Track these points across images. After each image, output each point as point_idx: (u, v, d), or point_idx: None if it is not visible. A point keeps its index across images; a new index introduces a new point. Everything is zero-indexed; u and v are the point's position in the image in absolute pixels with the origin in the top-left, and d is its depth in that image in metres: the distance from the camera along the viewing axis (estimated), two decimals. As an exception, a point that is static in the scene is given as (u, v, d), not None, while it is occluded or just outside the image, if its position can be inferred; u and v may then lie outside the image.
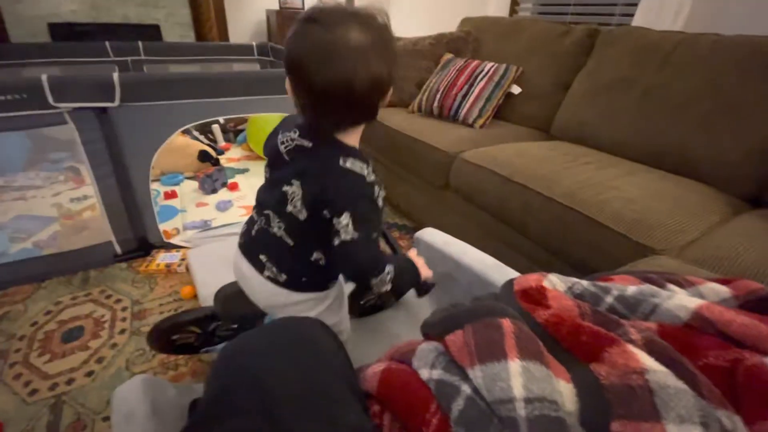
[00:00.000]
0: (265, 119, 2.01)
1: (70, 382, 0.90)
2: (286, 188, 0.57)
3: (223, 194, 1.74)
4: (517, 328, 0.42)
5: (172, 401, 0.68)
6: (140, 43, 2.04)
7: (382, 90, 0.53)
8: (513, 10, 2.17)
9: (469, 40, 1.79)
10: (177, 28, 2.65)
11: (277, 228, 0.61)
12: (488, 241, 1.19)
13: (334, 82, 0.49)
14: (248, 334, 0.38)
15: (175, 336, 0.83)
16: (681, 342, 0.42)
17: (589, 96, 1.39)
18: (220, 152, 2.19)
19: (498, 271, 0.79)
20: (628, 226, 0.85)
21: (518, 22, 1.74)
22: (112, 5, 2.42)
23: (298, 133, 0.59)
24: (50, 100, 1.03)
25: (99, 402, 0.86)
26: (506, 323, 0.42)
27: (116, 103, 1.11)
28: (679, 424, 0.31)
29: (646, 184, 1.02)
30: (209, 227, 1.46)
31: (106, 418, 0.82)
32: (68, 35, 2.36)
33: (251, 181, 1.88)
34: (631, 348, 0.38)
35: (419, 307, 1.03)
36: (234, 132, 2.43)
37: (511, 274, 0.77)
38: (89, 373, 0.92)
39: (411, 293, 1.07)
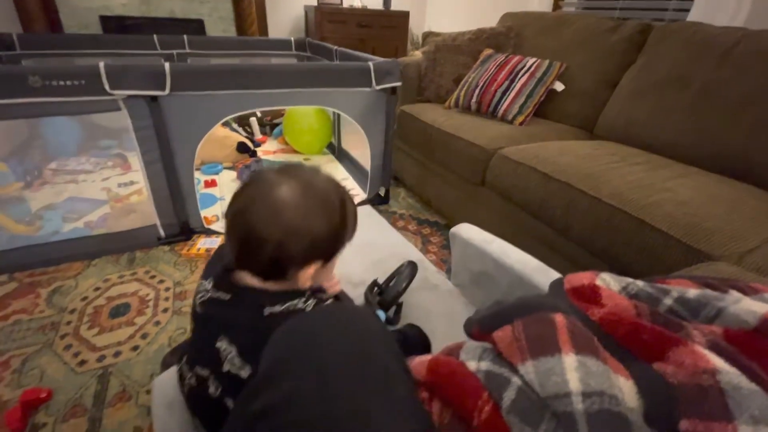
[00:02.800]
0: (301, 113, 2.04)
1: (117, 354, 0.95)
2: (218, 345, 0.49)
3: (259, 184, 1.78)
4: (571, 323, 0.40)
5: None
6: (185, 37, 2.11)
7: (284, 255, 0.48)
8: (557, 5, 2.11)
9: (510, 35, 1.75)
10: (220, 23, 2.73)
11: (213, 389, 0.50)
12: (525, 240, 1.16)
13: (246, 237, 0.47)
14: (305, 314, 0.38)
15: None
16: (749, 347, 0.39)
17: (639, 94, 1.33)
18: (257, 144, 2.25)
19: (542, 274, 0.76)
20: (681, 229, 0.80)
21: (563, 16, 1.68)
22: (160, 0, 2.52)
23: (212, 283, 0.53)
24: (106, 87, 1.09)
25: (143, 375, 0.90)
26: (559, 318, 0.41)
27: (166, 91, 1.15)
28: (753, 425, 0.29)
29: (701, 187, 0.96)
30: (246, 215, 1.50)
31: (150, 391, 0.86)
32: (118, 28, 2.48)
33: (286, 172, 1.91)
34: (699, 348, 0.36)
35: (434, 319, 1.00)
36: (270, 125, 2.48)
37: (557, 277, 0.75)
38: (135, 348, 0.97)
39: (424, 299, 1.05)
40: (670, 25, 1.37)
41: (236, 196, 0.49)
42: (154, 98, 1.16)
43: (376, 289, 0.90)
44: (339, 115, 2.15)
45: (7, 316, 1.05)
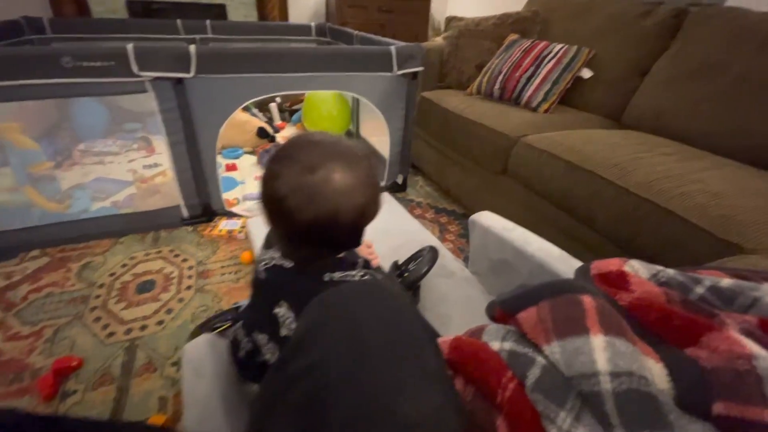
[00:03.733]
0: (320, 99, 2.04)
1: (143, 328, 0.98)
2: (276, 310, 0.53)
3: (279, 169, 1.79)
4: (599, 304, 0.40)
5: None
6: (208, 22, 2.13)
7: (365, 220, 0.52)
8: (586, -10, 2.03)
9: (536, 20, 1.70)
10: (242, 8, 2.73)
11: (270, 354, 0.55)
12: (546, 230, 1.14)
13: (317, 222, 0.47)
14: (340, 285, 0.39)
15: (217, 326, 0.89)
16: (787, 339, 0.38)
17: (672, 82, 1.28)
18: (276, 130, 2.26)
19: (565, 263, 0.75)
20: (713, 221, 0.78)
21: (592, 1, 1.62)
22: (185, -16, 2.54)
23: (279, 252, 0.56)
24: (134, 68, 1.11)
25: (168, 348, 0.93)
26: (587, 299, 0.40)
27: (191, 74, 1.17)
28: None
29: (735, 179, 0.92)
30: (266, 199, 1.52)
31: (174, 364, 0.89)
32: (144, 12, 2.52)
33: (305, 158, 1.93)
34: (734, 334, 0.35)
35: (450, 305, 1.00)
36: (289, 111, 2.50)
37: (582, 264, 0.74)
38: (160, 322, 1.00)
39: (440, 286, 1.05)
40: (706, 10, 1.30)
41: (292, 196, 0.47)
42: (179, 80, 1.17)
43: (397, 270, 0.91)
44: (357, 102, 2.14)
45: (39, 289, 1.10)
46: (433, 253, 1.00)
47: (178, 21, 2.07)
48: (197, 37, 2.12)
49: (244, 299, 1.06)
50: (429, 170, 1.83)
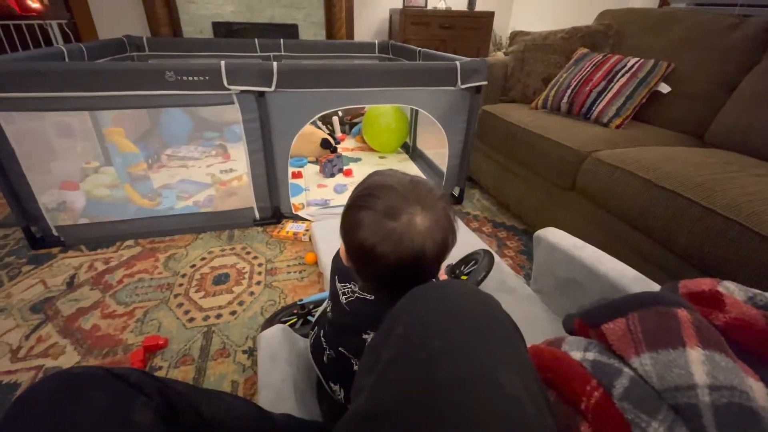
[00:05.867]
0: (380, 113, 2.12)
1: (218, 316, 1.07)
2: (365, 336, 0.57)
3: (340, 179, 1.88)
4: (696, 318, 0.39)
5: (302, 352, 0.78)
6: (282, 41, 2.30)
7: (446, 253, 0.54)
8: (663, 2, 1.94)
9: (609, 33, 1.65)
10: (312, 27, 2.93)
11: (357, 366, 0.59)
12: (617, 249, 1.09)
13: (403, 262, 0.49)
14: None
15: (284, 320, 0.96)
16: None
17: (763, 99, 1.18)
18: (337, 142, 2.37)
19: (641, 285, 0.70)
20: (818, 248, 0.71)
21: (672, 13, 1.54)
22: (263, 7, 2.78)
23: (358, 285, 0.59)
24: (225, 82, 1.23)
25: (240, 337, 1.01)
26: (682, 313, 0.39)
27: (273, 88, 1.27)
28: None
29: (844, 204, 0.83)
30: (328, 205, 1.60)
31: (245, 351, 0.96)
32: (227, 32, 2.78)
33: (363, 169, 2.01)
34: None
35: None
36: (350, 124, 2.60)
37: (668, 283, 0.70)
38: (233, 312, 1.09)
39: (501, 303, 1.02)
40: (808, 22, 1.20)
41: (380, 244, 0.49)
42: (261, 94, 1.29)
43: (452, 274, 0.92)
44: (415, 115, 2.19)
45: (133, 274, 1.23)
46: (489, 257, 0.98)
47: (256, 40, 2.26)
48: (271, 54, 2.30)
49: (306, 296, 1.12)
50: (487, 183, 1.82)
